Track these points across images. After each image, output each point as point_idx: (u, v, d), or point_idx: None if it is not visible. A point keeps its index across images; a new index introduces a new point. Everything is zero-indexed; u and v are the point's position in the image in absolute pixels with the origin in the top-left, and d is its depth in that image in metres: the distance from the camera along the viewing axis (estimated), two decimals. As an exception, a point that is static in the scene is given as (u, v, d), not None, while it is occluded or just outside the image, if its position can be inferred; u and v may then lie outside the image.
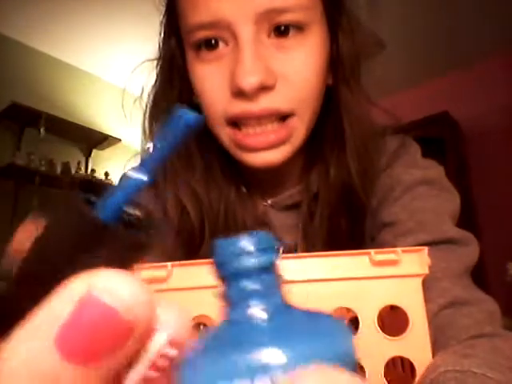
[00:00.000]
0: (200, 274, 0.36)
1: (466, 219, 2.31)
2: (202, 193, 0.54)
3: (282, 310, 0.16)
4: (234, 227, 0.54)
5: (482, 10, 2.38)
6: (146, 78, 0.58)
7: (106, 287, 0.11)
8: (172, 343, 0.13)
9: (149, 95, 0.56)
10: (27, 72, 2.69)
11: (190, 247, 0.53)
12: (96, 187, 0.14)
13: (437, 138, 2.58)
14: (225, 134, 0.50)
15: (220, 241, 0.16)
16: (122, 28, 2.57)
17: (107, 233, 0.13)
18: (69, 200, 0.13)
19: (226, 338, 0.16)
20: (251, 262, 0.16)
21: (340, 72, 0.52)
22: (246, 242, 0.16)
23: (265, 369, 0.14)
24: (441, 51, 2.67)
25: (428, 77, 2.89)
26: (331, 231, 0.54)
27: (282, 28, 0.47)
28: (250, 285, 0.16)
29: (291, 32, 0.47)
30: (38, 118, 2.58)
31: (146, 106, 0.56)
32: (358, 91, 0.53)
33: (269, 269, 0.16)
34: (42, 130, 2.59)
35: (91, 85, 3.01)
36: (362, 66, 0.54)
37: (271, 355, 0.14)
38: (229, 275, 0.16)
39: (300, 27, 0.47)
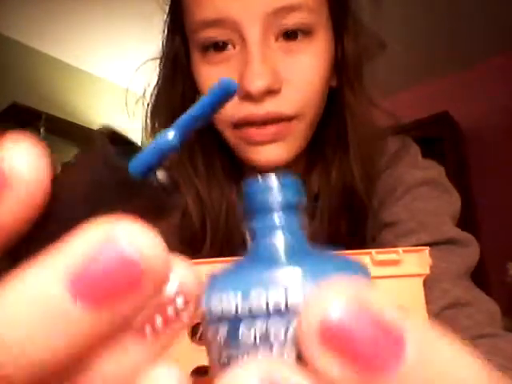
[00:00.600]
0: (200, 273, 0.36)
1: (466, 219, 2.31)
2: (204, 192, 0.54)
3: (303, 245, 0.17)
4: (235, 227, 0.54)
5: (484, 10, 2.38)
6: (149, 77, 0.58)
7: (126, 233, 0.11)
8: (182, 293, 0.13)
9: (151, 94, 0.56)
10: (27, 72, 2.69)
11: (191, 246, 0.53)
12: (122, 141, 0.14)
13: (437, 138, 2.58)
14: (230, 134, 0.50)
15: (251, 179, 0.17)
16: (122, 28, 2.57)
17: (135, 188, 0.13)
18: (97, 149, 0.13)
19: (245, 261, 0.17)
20: (278, 198, 0.17)
21: (344, 74, 0.52)
22: (274, 180, 0.17)
23: (281, 281, 0.14)
24: (441, 52, 2.67)
25: (428, 77, 2.89)
26: (331, 232, 0.54)
27: (290, 32, 0.47)
28: (274, 220, 0.17)
29: (299, 36, 0.47)
30: (38, 118, 2.58)
31: (148, 105, 0.56)
32: (362, 93, 0.53)
33: (293, 209, 0.17)
34: (42, 130, 2.59)
35: (91, 85, 3.00)
36: (364, 66, 0.54)
37: (288, 271, 0.15)
38: (255, 210, 0.17)
39: (307, 31, 0.47)
